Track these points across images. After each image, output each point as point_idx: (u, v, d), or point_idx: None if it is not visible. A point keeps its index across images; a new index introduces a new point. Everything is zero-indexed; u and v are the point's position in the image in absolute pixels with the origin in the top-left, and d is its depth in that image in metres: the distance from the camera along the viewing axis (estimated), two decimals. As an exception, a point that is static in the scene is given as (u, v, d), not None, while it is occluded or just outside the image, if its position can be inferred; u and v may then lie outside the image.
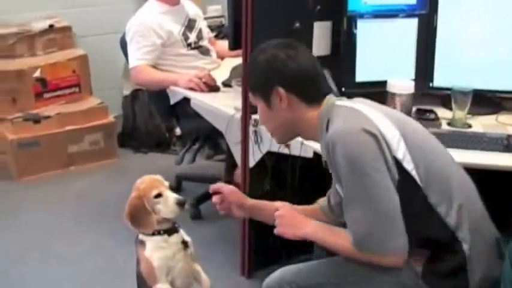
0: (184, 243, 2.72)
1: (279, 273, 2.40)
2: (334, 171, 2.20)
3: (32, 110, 5.07)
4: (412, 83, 3.04)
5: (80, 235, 4.18)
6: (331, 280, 2.28)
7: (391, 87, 3.03)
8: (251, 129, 3.18)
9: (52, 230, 4.27)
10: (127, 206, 2.62)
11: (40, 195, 4.77)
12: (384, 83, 3.07)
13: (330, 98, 2.31)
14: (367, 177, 2.06)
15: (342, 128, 2.15)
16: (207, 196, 4.06)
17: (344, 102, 2.32)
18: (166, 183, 2.67)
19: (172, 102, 4.15)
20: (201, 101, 3.66)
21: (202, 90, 3.75)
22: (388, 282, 2.19)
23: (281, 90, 2.26)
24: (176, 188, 4.65)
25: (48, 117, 5.04)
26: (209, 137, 4.34)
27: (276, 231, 2.36)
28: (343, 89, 3.23)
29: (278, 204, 2.52)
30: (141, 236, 2.69)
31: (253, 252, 3.51)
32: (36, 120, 5.00)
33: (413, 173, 2.12)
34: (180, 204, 2.59)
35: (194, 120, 3.84)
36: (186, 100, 3.88)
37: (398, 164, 2.11)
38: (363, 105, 2.26)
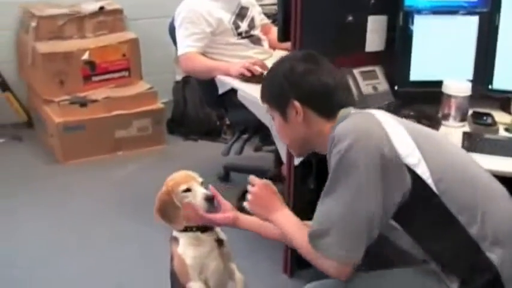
0: (219, 241, 2.64)
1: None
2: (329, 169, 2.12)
3: (79, 93, 5.06)
4: (469, 85, 2.89)
5: (122, 222, 4.13)
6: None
7: (447, 88, 2.89)
8: None
9: (94, 216, 4.23)
10: (156, 201, 2.57)
11: (85, 180, 4.74)
12: (439, 83, 2.94)
13: (346, 110, 2.23)
14: (352, 176, 2.01)
15: (347, 126, 2.11)
16: None
17: (361, 110, 2.26)
18: (199, 179, 2.59)
19: (220, 92, 4.02)
20: (248, 93, 3.56)
21: (253, 75, 3.67)
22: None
23: (297, 103, 2.22)
24: (224, 179, 4.61)
25: (95, 101, 5.02)
26: (258, 129, 4.15)
27: (245, 205, 2.44)
28: (396, 88, 3.08)
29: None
30: (174, 233, 2.63)
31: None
32: (83, 103, 4.98)
33: (429, 181, 2.04)
34: (208, 199, 2.50)
35: (242, 111, 3.69)
36: (234, 91, 3.78)
37: (410, 171, 2.03)
38: (380, 112, 2.23)
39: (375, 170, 1.99)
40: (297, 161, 3.13)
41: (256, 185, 2.44)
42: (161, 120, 5.32)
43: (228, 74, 3.83)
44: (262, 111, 3.36)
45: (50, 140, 5.07)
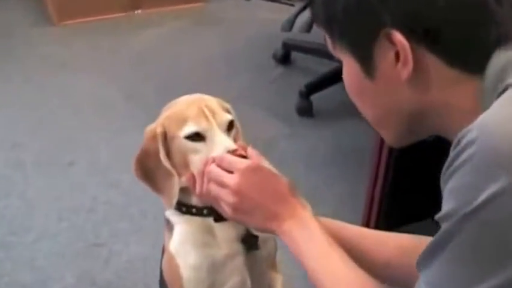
0: (248, 240, 1.44)
1: None
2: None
3: None
4: None
5: (132, 111, 3.06)
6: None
7: None
8: None
9: (96, 104, 3.21)
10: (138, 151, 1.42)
11: (86, 50, 3.76)
12: None
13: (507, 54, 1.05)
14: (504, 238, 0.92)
15: (497, 119, 0.96)
16: (326, 82, 3.11)
17: None
18: (225, 117, 1.38)
19: None
20: None
21: None
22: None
23: (399, 37, 1.03)
24: (281, 60, 3.51)
25: None
26: None
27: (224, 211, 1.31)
28: None
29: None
30: (167, 212, 1.47)
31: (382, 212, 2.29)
32: None
33: None
34: None
35: None
36: None
37: None
38: None
39: None
40: None
41: (244, 167, 1.31)
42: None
43: None
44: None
45: None
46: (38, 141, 2.83)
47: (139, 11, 4.03)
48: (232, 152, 1.34)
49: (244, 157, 1.33)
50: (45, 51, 3.62)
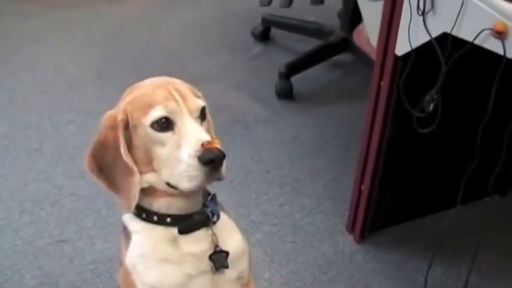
0: (218, 259, 1.21)
1: None
2: None
3: None
4: None
5: (104, 90, 2.81)
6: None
7: None
8: None
9: (66, 76, 2.93)
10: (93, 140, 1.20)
11: (59, 23, 3.44)
12: None
13: None
14: None
15: None
16: (308, 62, 2.86)
17: None
18: (197, 103, 1.17)
19: None
20: None
21: None
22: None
23: None
24: (261, 37, 3.25)
25: None
26: None
27: None
28: None
29: None
30: (125, 217, 1.24)
31: (371, 207, 2.03)
32: None
33: None
34: (209, 158, 1.09)
35: None
36: None
37: None
38: None
39: None
40: (403, 47, 1.59)
41: None
42: None
43: None
44: None
45: None
46: (5, 123, 2.56)
47: None
48: (207, 144, 1.12)
49: (220, 150, 1.12)
50: (13, 26, 3.32)
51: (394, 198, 2.00)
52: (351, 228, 2.09)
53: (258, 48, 3.14)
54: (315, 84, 2.83)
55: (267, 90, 2.77)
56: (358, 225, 2.06)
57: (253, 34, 3.21)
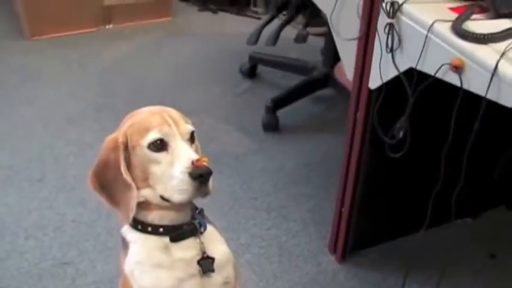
0: (205, 264, 1.36)
1: None
2: None
3: None
4: None
5: (102, 124, 2.90)
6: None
7: None
8: (382, 20, 1.62)
9: (65, 111, 3.03)
10: (95, 161, 1.34)
11: (57, 64, 3.48)
12: None
13: None
14: None
15: None
16: (292, 97, 2.99)
17: None
18: (187, 127, 1.33)
19: None
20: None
21: None
22: None
23: None
24: (248, 74, 3.36)
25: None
26: (304, 5, 2.92)
27: None
28: None
29: None
30: (124, 229, 1.39)
31: (351, 229, 2.15)
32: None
33: None
34: (198, 174, 1.24)
35: None
36: None
37: None
38: None
39: None
40: (375, 82, 1.73)
41: None
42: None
43: None
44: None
45: (17, 6, 3.72)
46: (8, 154, 2.66)
47: (111, 26, 3.80)
48: (196, 162, 1.27)
49: (207, 167, 1.26)
50: (15, 63, 3.41)
51: (372, 220, 2.11)
52: (333, 249, 2.19)
53: (246, 84, 3.25)
54: (299, 117, 2.95)
55: (254, 122, 2.88)
56: (340, 246, 2.16)
57: (241, 71, 3.32)
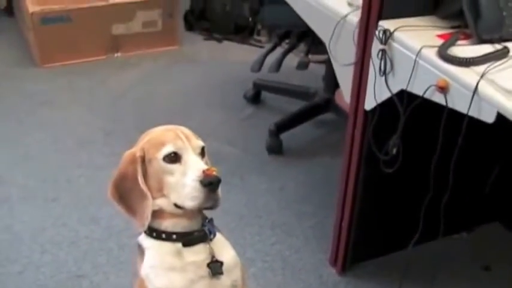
0: (214, 266, 1.50)
1: None
2: None
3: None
4: None
5: (111, 148, 3.00)
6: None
7: None
8: (375, 46, 1.78)
9: (76, 135, 3.16)
10: (116, 171, 1.49)
11: (67, 90, 3.59)
12: None
13: None
14: None
15: None
16: (295, 121, 3.13)
17: None
18: (198, 142, 1.49)
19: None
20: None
21: None
22: None
23: None
24: (252, 99, 3.48)
25: (85, -17, 3.84)
26: (305, 35, 3.03)
27: None
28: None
29: None
30: (140, 237, 1.54)
31: (351, 243, 2.29)
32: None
33: None
34: (208, 182, 1.39)
35: (284, 7, 2.47)
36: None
37: None
38: None
39: None
40: (370, 103, 1.88)
41: None
42: (174, 12, 4.05)
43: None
44: (316, 18, 2.18)
45: (27, 35, 3.86)
46: (22, 176, 2.78)
47: (119, 54, 3.91)
48: (206, 171, 1.42)
49: (216, 176, 1.41)
50: (26, 90, 3.53)
51: (370, 234, 2.24)
52: (334, 262, 2.33)
53: (250, 109, 3.38)
54: (301, 140, 3.09)
55: (258, 146, 3.02)
56: (340, 259, 2.30)
57: (246, 97, 3.45)
